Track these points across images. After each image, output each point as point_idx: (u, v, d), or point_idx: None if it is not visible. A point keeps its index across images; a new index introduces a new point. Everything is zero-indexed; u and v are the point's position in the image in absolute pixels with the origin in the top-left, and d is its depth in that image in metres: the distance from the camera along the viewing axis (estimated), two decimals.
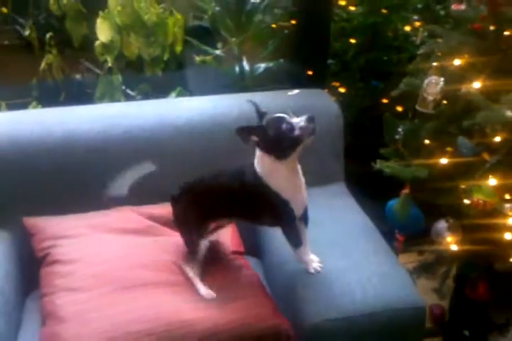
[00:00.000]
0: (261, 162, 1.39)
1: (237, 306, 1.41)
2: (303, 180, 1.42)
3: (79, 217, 1.67)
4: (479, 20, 1.52)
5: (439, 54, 1.58)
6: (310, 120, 1.31)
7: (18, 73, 2.32)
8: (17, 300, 1.57)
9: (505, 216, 1.33)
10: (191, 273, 1.51)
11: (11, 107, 2.13)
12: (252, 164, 1.41)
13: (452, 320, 1.96)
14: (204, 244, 1.54)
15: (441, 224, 1.63)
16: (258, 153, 1.39)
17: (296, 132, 1.31)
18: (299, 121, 1.32)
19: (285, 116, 1.33)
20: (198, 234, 1.53)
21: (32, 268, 1.60)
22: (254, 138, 1.34)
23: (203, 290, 1.48)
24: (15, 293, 1.56)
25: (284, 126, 1.31)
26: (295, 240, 1.46)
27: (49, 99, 2.16)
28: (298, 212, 1.43)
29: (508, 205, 1.33)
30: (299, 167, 1.40)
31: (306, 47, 2.06)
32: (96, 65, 2.12)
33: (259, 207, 1.43)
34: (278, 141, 1.33)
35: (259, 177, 1.38)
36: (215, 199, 1.49)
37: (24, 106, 2.14)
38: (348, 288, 1.41)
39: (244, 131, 1.34)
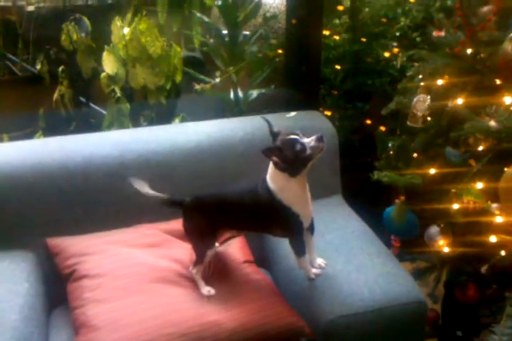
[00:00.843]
0: (274, 178, 1.50)
1: (255, 307, 1.53)
2: (309, 194, 1.55)
3: (99, 235, 1.75)
4: (459, 44, 1.69)
5: (424, 75, 1.75)
6: (319, 139, 1.44)
7: (24, 105, 2.46)
8: (43, 316, 1.65)
9: (493, 215, 1.49)
10: (196, 275, 1.61)
11: (15, 138, 2.24)
12: (264, 180, 1.52)
13: (446, 322, 2.05)
14: (211, 253, 1.63)
15: (434, 229, 1.76)
16: (272, 170, 1.51)
17: (308, 151, 1.44)
18: (309, 141, 1.45)
19: (297, 137, 1.45)
20: (207, 244, 1.61)
21: (54, 286, 1.69)
22: (275, 159, 1.47)
23: (203, 288, 1.58)
24: (41, 309, 1.63)
25: (297, 146, 1.43)
26: (300, 250, 1.57)
27: (58, 128, 2.29)
28: (306, 223, 1.55)
29: (494, 205, 1.49)
30: (306, 182, 1.53)
31: (299, 73, 2.23)
32: (104, 95, 2.25)
33: (270, 219, 1.55)
34: (292, 161, 1.45)
35: (272, 192, 1.50)
36: (226, 211, 1.59)
37: (29, 136, 2.26)
38: (357, 288, 1.54)
39: (269, 152, 1.46)
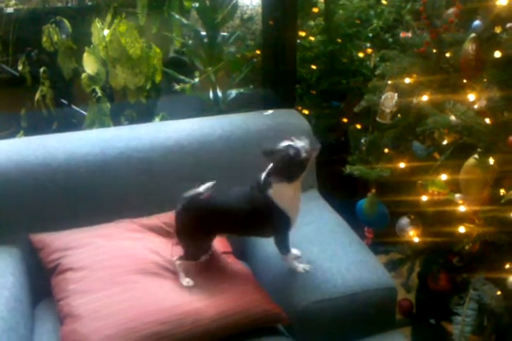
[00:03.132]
0: (272, 184, 1.53)
1: (233, 295, 1.58)
2: (300, 195, 1.60)
3: (82, 230, 1.78)
4: (424, 45, 1.79)
5: (392, 74, 1.84)
6: (313, 143, 1.51)
7: (5, 106, 2.49)
8: (29, 308, 1.69)
9: (457, 205, 1.59)
10: (178, 267, 1.64)
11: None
12: (259, 184, 1.57)
13: (419, 311, 2.12)
14: (206, 257, 1.67)
15: (404, 220, 1.85)
16: (269, 175, 1.54)
17: (303, 155, 1.49)
18: (303, 144, 1.50)
19: (291, 143, 1.50)
20: (202, 249, 1.65)
21: (39, 279, 1.73)
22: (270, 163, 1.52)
23: (183, 279, 1.62)
24: (27, 301, 1.68)
25: (291, 152, 1.48)
26: (286, 248, 1.64)
27: (40, 128, 2.33)
28: (293, 224, 1.61)
29: (457, 195, 1.58)
30: (300, 186, 1.58)
31: (276, 73, 2.30)
32: (85, 96, 2.30)
33: (264, 222, 1.61)
34: (288, 166, 1.50)
35: (268, 197, 1.54)
36: (222, 216, 1.62)
37: (11, 136, 2.29)
38: (330, 276, 1.62)
39: (269, 154, 1.51)
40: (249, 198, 1.58)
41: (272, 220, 1.59)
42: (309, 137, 1.53)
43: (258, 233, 1.70)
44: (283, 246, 1.64)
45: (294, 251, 1.70)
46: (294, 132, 1.59)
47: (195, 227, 1.62)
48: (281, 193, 1.55)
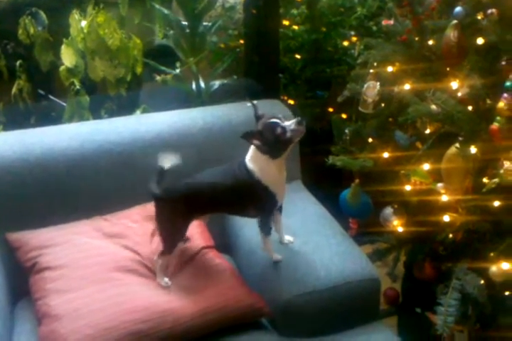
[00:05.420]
0: (255, 160, 1.56)
1: (214, 291, 1.57)
2: (285, 175, 1.61)
3: (59, 227, 1.76)
4: (406, 32, 1.76)
5: (375, 62, 1.82)
6: (300, 123, 1.50)
7: None
8: (7, 307, 1.66)
9: (439, 194, 1.57)
10: (159, 266, 1.63)
11: None
12: (243, 161, 1.57)
13: (405, 300, 2.11)
14: (182, 244, 1.67)
15: (388, 210, 1.83)
16: (253, 152, 1.56)
17: (288, 134, 1.49)
18: (289, 124, 1.50)
19: (277, 121, 1.51)
20: (179, 236, 1.64)
21: (18, 279, 1.70)
22: (256, 142, 1.52)
23: (161, 279, 1.61)
24: (5, 301, 1.65)
25: (278, 130, 1.49)
26: (267, 229, 1.63)
27: (18, 122, 2.29)
28: (280, 202, 1.62)
29: (439, 184, 1.57)
30: (284, 164, 1.58)
31: (259, 63, 2.28)
32: (65, 88, 2.26)
33: (247, 199, 1.60)
34: (273, 143, 1.51)
35: (251, 173, 1.55)
36: (205, 196, 1.61)
37: None
38: (313, 268, 1.61)
39: (249, 136, 1.51)
40: (231, 174, 1.59)
41: (255, 197, 1.58)
42: (296, 119, 1.52)
43: (241, 210, 1.68)
44: (264, 226, 1.63)
45: (287, 237, 1.70)
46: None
47: (175, 214, 1.61)
48: (262, 168, 1.55)
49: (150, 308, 1.50)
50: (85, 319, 1.47)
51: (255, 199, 1.59)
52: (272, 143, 1.51)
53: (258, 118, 1.57)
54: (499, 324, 1.64)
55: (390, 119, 1.75)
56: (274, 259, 1.65)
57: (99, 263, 1.64)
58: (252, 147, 1.57)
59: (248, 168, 1.56)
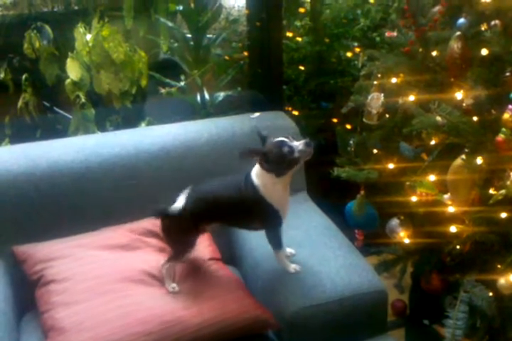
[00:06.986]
0: (260, 176, 1.56)
1: (219, 302, 1.57)
2: (289, 189, 1.60)
3: (65, 240, 1.76)
4: (409, 44, 1.77)
5: (379, 74, 1.82)
6: (308, 144, 1.50)
7: None
8: (14, 321, 1.66)
9: (445, 205, 1.56)
10: (166, 271, 1.63)
11: None
12: (249, 175, 1.58)
13: (413, 311, 2.11)
14: (191, 252, 1.66)
15: (394, 222, 1.83)
16: (258, 168, 1.56)
17: (296, 154, 1.50)
18: (298, 144, 1.51)
19: (286, 140, 1.51)
20: (189, 245, 1.64)
21: (24, 292, 1.70)
22: (256, 158, 1.53)
23: (168, 284, 1.61)
24: (11, 314, 1.65)
25: (285, 149, 1.49)
26: (277, 243, 1.63)
27: (24, 136, 2.30)
28: (284, 218, 1.61)
29: (446, 196, 1.56)
30: (289, 182, 1.58)
31: (263, 75, 2.28)
32: (70, 101, 2.27)
33: (252, 214, 1.60)
34: (279, 162, 1.51)
35: (256, 189, 1.56)
36: (212, 208, 1.61)
37: None
38: (319, 280, 1.60)
39: (245, 154, 1.52)
40: (238, 187, 1.59)
41: (259, 212, 1.58)
42: (305, 140, 1.52)
43: (246, 223, 1.68)
44: (274, 241, 1.63)
45: (288, 250, 1.69)
46: (282, 134, 1.57)
47: (184, 224, 1.61)
48: (267, 185, 1.55)
49: (155, 320, 1.50)
50: (90, 332, 1.47)
51: (259, 214, 1.60)
52: (277, 161, 1.51)
53: (263, 138, 1.57)
54: (508, 337, 1.62)
55: (395, 130, 1.74)
56: (291, 271, 1.64)
57: (105, 275, 1.64)
58: (257, 164, 1.57)
59: (253, 183, 1.57)
